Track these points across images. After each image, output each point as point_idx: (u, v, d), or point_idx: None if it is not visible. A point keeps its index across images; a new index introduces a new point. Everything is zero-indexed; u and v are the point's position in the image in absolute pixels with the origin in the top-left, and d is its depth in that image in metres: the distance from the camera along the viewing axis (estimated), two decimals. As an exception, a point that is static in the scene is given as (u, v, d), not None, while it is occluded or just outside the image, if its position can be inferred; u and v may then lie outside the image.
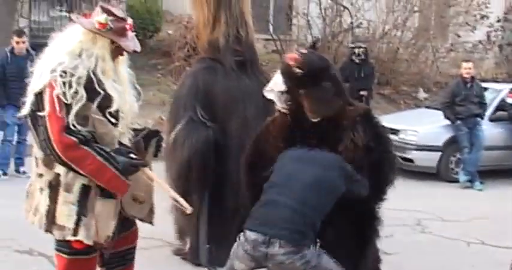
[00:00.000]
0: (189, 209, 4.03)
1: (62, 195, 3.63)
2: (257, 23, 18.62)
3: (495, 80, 15.74)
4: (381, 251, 6.95)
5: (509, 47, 19.17)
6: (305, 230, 4.02)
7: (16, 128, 10.12)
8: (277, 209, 4.07)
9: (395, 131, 11.74)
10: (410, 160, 11.49)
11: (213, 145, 5.98)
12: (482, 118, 11.42)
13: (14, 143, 10.20)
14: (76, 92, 3.57)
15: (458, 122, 11.25)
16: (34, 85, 3.63)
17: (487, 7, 17.46)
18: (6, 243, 6.75)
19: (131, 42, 3.83)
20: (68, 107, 3.55)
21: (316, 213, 4.09)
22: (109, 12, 3.74)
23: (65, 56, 3.66)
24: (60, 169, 3.63)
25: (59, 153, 3.53)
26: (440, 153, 11.45)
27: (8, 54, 9.96)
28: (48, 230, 3.75)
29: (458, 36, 18.07)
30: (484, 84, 12.03)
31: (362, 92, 10.92)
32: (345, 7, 17.01)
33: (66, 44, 3.73)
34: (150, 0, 18.21)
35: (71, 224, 3.64)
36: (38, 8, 16.45)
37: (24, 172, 10.09)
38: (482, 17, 17.67)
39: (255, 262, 4.05)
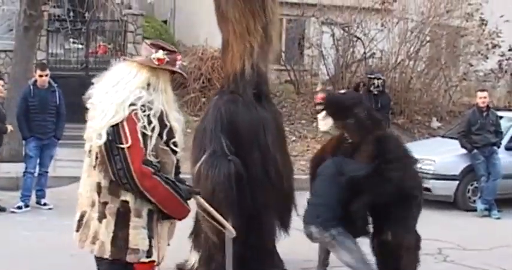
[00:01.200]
0: (233, 234, 4.51)
1: (133, 221, 3.80)
2: (271, 53, 18.82)
3: (508, 109, 15.78)
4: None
5: (520, 76, 19.24)
6: (327, 215, 5.78)
7: (38, 160, 10.23)
8: (309, 206, 6.04)
9: (412, 160, 11.82)
10: (428, 189, 11.47)
11: (234, 177, 6.19)
12: (498, 147, 11.47)
13: (36, 175, 10.29)
14: (154, 126, 3.78)
15: (475, 150, 11.29)
16: (110, 117, 3.77)
17: (498, 36, 17.56)
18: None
19: (181, 70, 4.13)
20: (146, 139, 3.75)
21: (331, 200, 5.85)
22: (163, 48, 3.98)
23: (141, 90, 3.85)
24: (127, 196, 3.78)
25: (137, 183, 3.70)
26: (457, 182, 11.50)
27: (31, 87, 10.08)
28: (116, 256, 3.82)
29: (471, 65, 18.17)
30: (498, 113, 12.05)
31: (379, 122, 10.99)
32: (358, 38, 17.20)
33: (132, 80, 3.91)
34: (165, 33, 18.45)
35: (145, 247, 3.81)
36: (56, 41, 16.68)
37: (45, 204, 10.19)
38: (494, 46, 17.77)
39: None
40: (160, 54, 3.93)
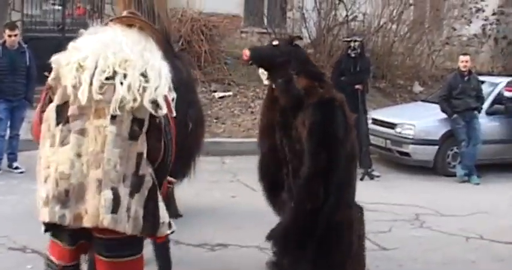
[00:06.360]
0: None
1: (158, 193, 3.60)
2: (252, 16, 18.67)
3: (490, 74, 15.65)
4: (379, 246, 6.98)
5: (504, 41, 18.99)
6: None
7: (8, 123, 10.00)
8: None
9: (392, 125, 11.69)
10: (407, 154, 11.42)
11: None
12: (479, 112, 11.35)
13: (7, 138, 10.06)
14: None
15: (455, 115, 11.15)
16: (163, 85, 3.66)
17: (482, 0, 17.36)
18: (0, 240, 6.65)
19: None
20: None
21: None
22: None
23: None
24: (149, 168, 3.60)
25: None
26: (437, 147, 11.35)
27: (0, 47, 9.84)
28: (148, 231, 3.58)
29: (454, 29, 17.98)
30: (480, 78, 11.92)
31: (357, 86, 10.75)
32: (340, 0, 16.88)
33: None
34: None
35: (167, 219, 3.67)
36: (31, 2, 16.27)
37: (17, 167, 9.98)
38: (478, 10, 17.57)
39: None
40: None
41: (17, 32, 9.89)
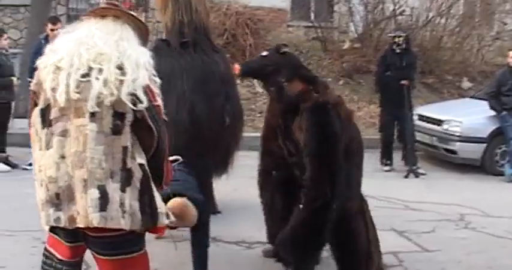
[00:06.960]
0: None
1: (152, 184, 3.53)
2: (298, 10, 18.51)
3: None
4: (422, 247, 6.77)
5: (557, 36, 18.53)
6: None
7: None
8: None
9: (438, 122, 11.44)
10: (454, 152, 11.16)
11: None
12: (529, 109, 11.02)
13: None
14: None
15: (504, 112, 10.86)
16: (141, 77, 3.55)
17: (535, -6, 16.97)
18: (35, 234, 6.59)
19: None
20: None
21: None
22: None
23: None
24: (142, 159, 3.52)
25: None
26: (485, 145, 11.07)
27: (43, 41, 9.84)
28: (147, 224, 3.50)
29: (505, 24, 17.57)
30: (531, 74, 11.57)
31: (403, 82, 10.52)
32: (387, -7, 16.64)
33: None
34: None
35: (164, 209, 3.60)
36: (78, -5, 16.44)
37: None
38: (531, 4, 17.18)
39: None
40: None
41: (59, 26, 9.88)
